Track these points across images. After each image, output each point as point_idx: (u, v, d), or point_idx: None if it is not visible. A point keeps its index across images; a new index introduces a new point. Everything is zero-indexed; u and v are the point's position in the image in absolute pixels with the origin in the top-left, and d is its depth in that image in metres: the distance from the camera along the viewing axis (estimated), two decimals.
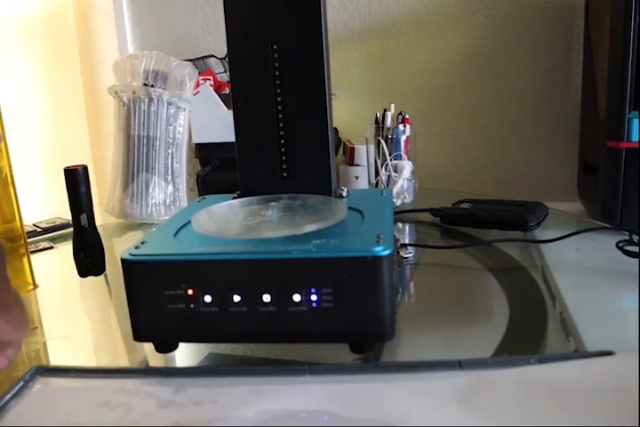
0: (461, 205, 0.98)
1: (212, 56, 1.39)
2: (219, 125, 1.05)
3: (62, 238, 1.00)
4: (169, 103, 1.05)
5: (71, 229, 0.77)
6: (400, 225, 1.00)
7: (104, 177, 1.42)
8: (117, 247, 0.96)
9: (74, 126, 1.48)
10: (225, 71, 1.37)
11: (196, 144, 1.11)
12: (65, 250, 0.93)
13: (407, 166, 1.09)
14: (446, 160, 1.41)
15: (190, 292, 0.51)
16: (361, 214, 0.60)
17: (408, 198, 1.09)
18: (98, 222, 0.78)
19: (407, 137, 1.11)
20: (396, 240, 0.66)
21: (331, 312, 0.50)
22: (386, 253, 0.49)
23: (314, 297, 0.50)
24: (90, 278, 0.77)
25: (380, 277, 0.49)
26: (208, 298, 0.51)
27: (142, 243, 0.56)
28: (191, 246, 0.54)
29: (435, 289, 0.74)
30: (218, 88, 1.25)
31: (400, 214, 1.02)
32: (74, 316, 0.73)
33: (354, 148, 1.22)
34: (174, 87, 1.06)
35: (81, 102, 1.47)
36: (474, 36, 1.37)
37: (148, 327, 0.54)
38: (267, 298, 0.51)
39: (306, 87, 0.63)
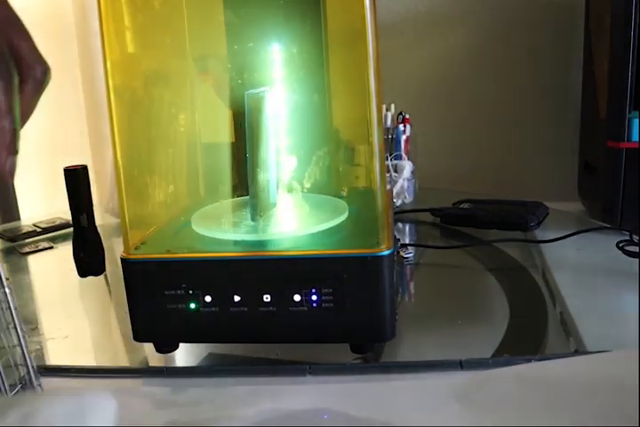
0: (461, 205, 0.98)
1: (212, 56, 1.39)
2: (220, 125, 1.05)
3: (62, 238, 1.00)
4: (170, 103, 1.04)
5: (71, 229, 0.76)
6: (400, 225, 1.00)
7: (104, 177, 1.41)
8: (117, 247, 0.96)
9: (74, 126, 1.48)
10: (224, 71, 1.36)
11: (203, 144, 1.10)
12: (65, 250, 0.93)
13: (407, 166, 1.09)
14: (446, 160, 1.41)
15: (190, 292, 0.52)
16: (361, 214, 0.61)
17: (408, 198, 1.09)
18: (98, 222, 0.78)
19: (407, 137, 1.11)
20: (396, 240, 0.66)
21: (331, 312, 0.51)
22: (386, 253, 0.50)
23: (314, 297, 0.50)
24: (90, 278, 0.77)
25: (380, 277, 0.50)
26: (208, 298, 0.52)
27: (142, 243, 0.56)
28: (191, 246, 0.55)
29: (435, 289, 0.74)
30: (217, 87, 1.24)
31: (400, 214, 1.02)
32: (74, 316, 0.73)
33: (354, 148, 1.22)
34: (175, 87, 1.06)
35: (81, 102, 1.47)
36: (474, 35, 1.37)
37: (148, 327, 0.54)
38: (267, 298, 0.51)
39: (307, 87, 0.63)
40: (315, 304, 0.50)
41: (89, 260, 0.76)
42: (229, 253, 0.52)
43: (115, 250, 0.90)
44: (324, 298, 0.50)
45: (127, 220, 0.55)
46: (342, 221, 0.58)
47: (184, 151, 1.09)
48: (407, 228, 1.00)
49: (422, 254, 0.84)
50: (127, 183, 0.57)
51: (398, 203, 1.08)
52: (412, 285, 0.76)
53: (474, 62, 1.38)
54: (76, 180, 0.74)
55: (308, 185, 0.66)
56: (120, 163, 0.56)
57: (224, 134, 1.05)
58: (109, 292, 0.79)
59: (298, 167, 0.65)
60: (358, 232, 0.56)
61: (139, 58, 0.75)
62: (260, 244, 0.54)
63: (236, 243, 0.54)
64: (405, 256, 0.80)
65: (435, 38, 1.39)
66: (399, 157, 1.09)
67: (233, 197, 0.70)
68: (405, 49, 1.40)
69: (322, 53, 0.63)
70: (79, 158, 1.47)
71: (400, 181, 1.08)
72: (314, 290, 0.50)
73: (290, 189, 0.63)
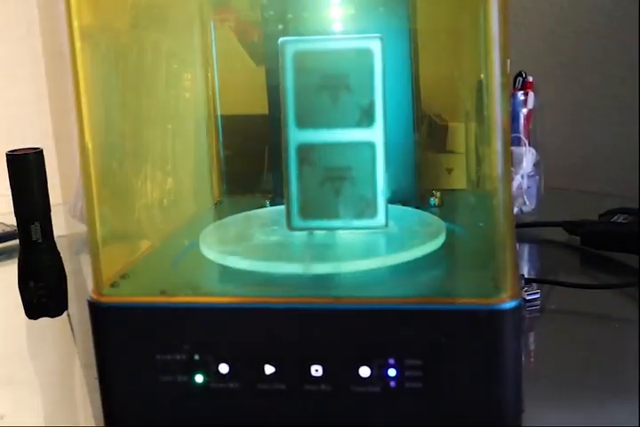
0: (613, 218, 0.96)
1: None
2: (245, 90, 1.05)
3: (4, 256, 1.01)
4: (170, 55, 1.04)
5: (17, 244, 0.77)
6: (517, 247, 0.97)
7: (71, 163, 1.42)
8: (88, 271, 0.95)
9: (26, 89, 1.49)
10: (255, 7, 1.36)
11: (220, 116, 1.11)
12: (7, 275, 0.92)
13: (529, 155, 1.07)
14: (587, 146, 1.37)
15: (196, 357, 0.51)
16: (463, 236, 0.61)
17: (528, 205, 1.08)
18: (59, 233, 0.78)
19: (529, 111, 1.10)
20: (520, 277, 0.65)
21: (419, 397, 0.49)
22: (509, 305, 0.48)
23: (392, 372, 0.49)
24: (43, 321, 0.77)
25: (499, 343, 0.48)
26: (224, 367, 0.51)
27: (123, 277, 0.56)
28: (199, 284, 0.55)
29: (577, 353, 0.71)
30: (241, 33, 1.23)
31: (518, 230, 1.00)
32: (17, 383, 0.71)
33: (447, 126, 1.20)
34: (177, 31, 1.05)
35: (38, 52, 1.48)
36: None
37: (129, 411, 0.53)
38: (316, 370, 0.50)
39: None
40: (393, 383, 0.49)
41: (42, 292, 0.77)
42: (260, 296, 0.51)
43: (85, 274, 0.91)
44: (407, 374, 0.49)
45: (99, 238, 0.55)
46: (436, 249, 0.57)
47: (190, 128, 1.08)
48: (527, 251, 1.00)
49: (553, 295, 0.81)
50: (100, 178, 0.56)
51: (514, 211, 1.06)
52: (539, 345, 0.73)
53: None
54: (25, 170, 0.73)
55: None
56: (89, 146, 0.55)
57: (252, 104, 1.03)
58: (74, 342, 0.77)
59: None
60: (461, 268, 0.56)
61: None
62: (309, 283, 0.53)
63: (273, 281, 0.53)
64: (529, 298, 0.77)
65: None
66: (516, 142, 1.07)
67: (263, 200, 0.72)
68: None
69: None
70: (35, 136, 1.47)
71: (517, 179, 1.06)
72: (392, 360, 0.49)
73: None
